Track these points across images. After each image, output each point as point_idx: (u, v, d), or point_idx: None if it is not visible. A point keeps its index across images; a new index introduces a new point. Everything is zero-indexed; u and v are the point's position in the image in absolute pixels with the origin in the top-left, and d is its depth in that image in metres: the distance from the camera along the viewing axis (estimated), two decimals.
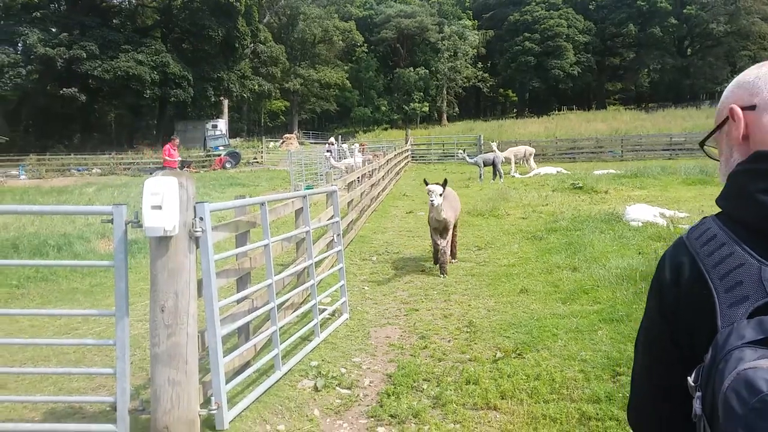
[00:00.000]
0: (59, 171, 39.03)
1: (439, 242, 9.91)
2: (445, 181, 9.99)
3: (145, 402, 4.44)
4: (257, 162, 43.57)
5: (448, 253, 10.12)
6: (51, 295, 8.83)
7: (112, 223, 4.47)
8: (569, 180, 22.34)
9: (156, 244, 4.38)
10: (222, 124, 49.84)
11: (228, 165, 39.47)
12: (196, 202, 4.58)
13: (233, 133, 51.62)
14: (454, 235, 10.63)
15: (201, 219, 4.55)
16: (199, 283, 4.65)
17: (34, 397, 4.92)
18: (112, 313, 4.48)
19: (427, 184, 9.85)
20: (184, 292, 4.40)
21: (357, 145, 28.67)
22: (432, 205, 9.60)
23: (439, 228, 10.01)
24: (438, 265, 10.15)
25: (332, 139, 30.58)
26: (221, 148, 43.69)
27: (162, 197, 4.27)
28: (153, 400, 4.30)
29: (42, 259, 10.31)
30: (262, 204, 5.95)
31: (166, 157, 24.22)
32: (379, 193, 19.42)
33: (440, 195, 9.58)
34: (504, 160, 26.97)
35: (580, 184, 20.49)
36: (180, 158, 25.79)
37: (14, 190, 28.77)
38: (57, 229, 13.27)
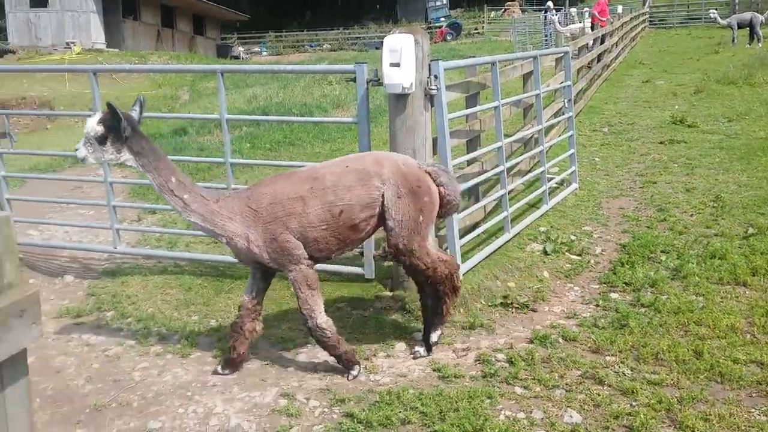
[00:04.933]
0: (294, 47, 41.79)
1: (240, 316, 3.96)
2: (136, 110, 3.81)
3: (387, 250, 4.79)
4: (478, 33, 42.46)
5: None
6: (297, 158, 9.69)
7: (355, 81, 4.68)
8: None
9: (395, 101, 4.52)
10: None
11: (449, 37, 38.99)
12: (431, 60, 4.59)
13: (453, 3, 50.47)
14: None
15: (436, 77, 4.57)
16: (434, 141, 4.75)
17: None
18: None
19: (114, 112, 3.60)
20: (421, 149, 4.55)
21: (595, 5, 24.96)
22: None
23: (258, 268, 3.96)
24: None
25: (550, 3, 27.92)
26: (442, 19, 43.18)
27: (400, 54, 4.33)
28: None
29: (288, 125, 11.29)
30: (493, 64, 5.79)
31: (595, 12, 20.82)
32: (611, 60, 17.93)
33: (104, 141, 3.68)
34: (764, 21, 23.11)
35: None
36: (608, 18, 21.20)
37: (257, 63, 31.49)
38: (298, 100, 14.36)
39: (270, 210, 3.69)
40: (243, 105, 14.48)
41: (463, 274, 4.79)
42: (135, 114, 3.77)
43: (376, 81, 4.63)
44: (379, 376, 3.81)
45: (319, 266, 5.03)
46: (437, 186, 3.85)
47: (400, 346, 4.14)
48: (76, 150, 3.74)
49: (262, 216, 3.69)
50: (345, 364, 3.85)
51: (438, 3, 47.03)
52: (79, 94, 20.14)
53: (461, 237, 4.97)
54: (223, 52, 38.01)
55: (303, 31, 45.23)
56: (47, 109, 17.97)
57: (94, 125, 3.66)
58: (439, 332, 4.12)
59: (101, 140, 3.66)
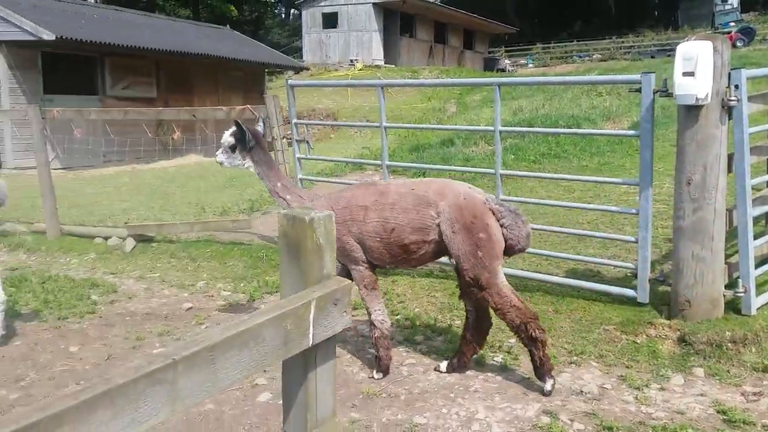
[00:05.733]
0: (562, 58, 40.87)
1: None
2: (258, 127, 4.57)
3: (665, 274, 4.44)
4: None
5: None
6: (562, 171, 9.48)
7: (640, 92, 4.41)
8: None
9: (685, 113, 4.16)
10: None
11: (739, 43, 34.81)
12: (731, 69, 4.14)
13: (745, 6, 45.06)
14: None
15: (736, 87, 4.11)
16: (729, 157, 4.27)
17: (560, 254, 5.43)
18: (635, 182, 4.52)
19: (241, 129, 4.32)
20: (713, 165, 4.12)
21: None
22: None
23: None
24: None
25: None
26: (732, 24, 38.78)
27: (695, 63, 3.98)
28: (675, 273, 4.25)
29: (554, 137, 11.08)
30: None
31: None
32: None
33: (234, 149, 4.37)
34: None
35: None
36: None
37: (522, 75, 31.47)
38: (564, 112, 14.05)
39: (341, 213, 4.03)
40: (508, 117, 14.59)
41: (757, 309, 4.23)
42: (260, 129, 4.51)
43: (664, 91, 4.32)
44: (651, 408, 3.52)
45: (587, 285, 4.87)
46: (501, 226, 3.75)
47: (677, 379, 3.78)
48: (217, 155, 4.50)
49: (338, 216, 3.95)
50: (378, 365, 4.17)
51: (727, 6, 42.41)
52: (359, 107, 22.13)
53: (757, 266, 4.39)
54: (490, 66, 38.78)
55: (572, 41, 44.09)
56: (332, 120, 20.06)
57: (227, 137, 4.39)
58: (551, 382, 3.76)
59: (232, 149, 4.37)
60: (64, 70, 15.89)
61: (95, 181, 13.22)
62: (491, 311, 3.94)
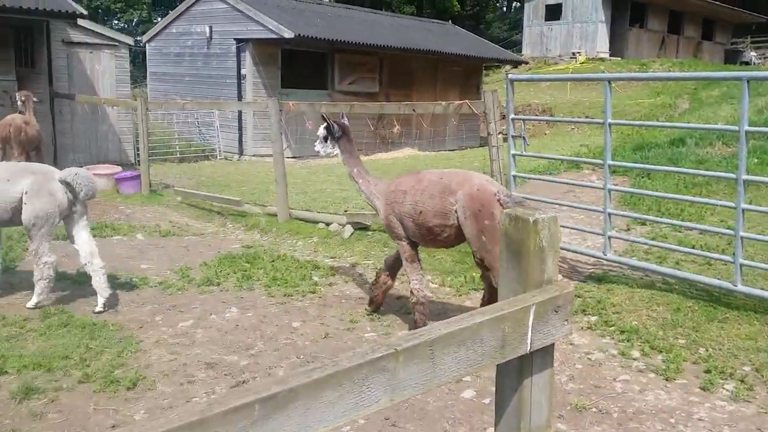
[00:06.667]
0: None
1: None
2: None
3: None
4: None
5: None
6: None
7: None
8: None
9: None
10: None
11: None
12: None
13: None
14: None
15: None
16: None
17: None
18: None
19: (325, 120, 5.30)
20: None
21: None
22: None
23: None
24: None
25: None
26: None
27: None
28: None
29: None
30: None
31: None
32: None
33: (326, 139, 5.28)
34: None
35: None
36: None
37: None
38: None
39: (391, 195, 4.81)
40: (752, 116, 12.97)
41: None
42: (346, 122, 5.21)
43: None
44: None
45: None
46: None
47: None
48: (315, 145, 5.33)
49: (388, 198, 4.85)
50: (414, 327, 4.76)
51: None
52: (578, 102, 21.27)
53: None
54: (732, 58, 34.87)
55: None
56: (548, 116, 19.50)
57: (322, 129, 5.22)
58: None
59: (325, 139, 5.22)
60: (299, 65, 17.34)
61: (320, 171, 14.26)
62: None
